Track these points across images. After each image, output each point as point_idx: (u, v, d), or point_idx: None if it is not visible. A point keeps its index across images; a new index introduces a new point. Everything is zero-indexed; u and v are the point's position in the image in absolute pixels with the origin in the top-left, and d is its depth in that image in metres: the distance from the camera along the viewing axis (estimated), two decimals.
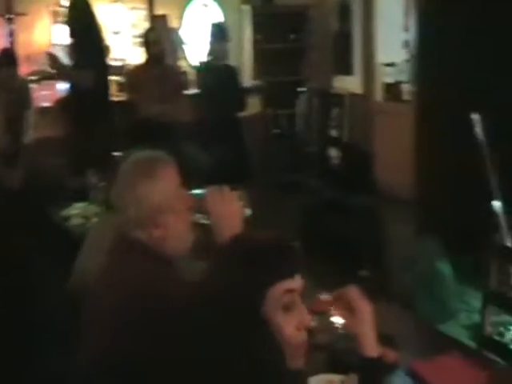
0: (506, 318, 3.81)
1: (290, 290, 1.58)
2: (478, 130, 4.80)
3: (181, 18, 7.94)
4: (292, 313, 1.59)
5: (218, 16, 8.03)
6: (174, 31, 7.73)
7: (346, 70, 7.69)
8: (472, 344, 3.14)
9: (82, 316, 2.06)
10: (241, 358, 1.50)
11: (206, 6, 8.10)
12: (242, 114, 6.39)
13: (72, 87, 5.99)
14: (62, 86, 6.58)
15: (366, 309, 1.87)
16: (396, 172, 6.51)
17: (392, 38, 7.13)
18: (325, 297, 2.05)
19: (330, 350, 2.30)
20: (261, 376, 1.50)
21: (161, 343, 1.85)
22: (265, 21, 8.01)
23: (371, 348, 1.85)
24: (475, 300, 4.10)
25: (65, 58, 6.06)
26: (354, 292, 1.88)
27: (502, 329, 4.03)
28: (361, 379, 1.83)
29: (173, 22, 7.73)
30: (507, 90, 4.99)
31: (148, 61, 6.09)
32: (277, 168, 7.47)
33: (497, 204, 4.73)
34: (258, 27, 7.99)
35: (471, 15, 5.12)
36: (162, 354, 1.84)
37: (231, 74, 6.34)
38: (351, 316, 1.87)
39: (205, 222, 2.14)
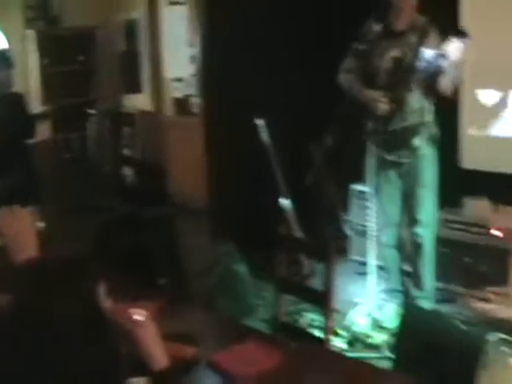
0: (300, 305, 4.11)
1: None
2: (263, 134, 5.12)
3: None
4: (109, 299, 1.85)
5: (1, 43, 7.81)
6: None
7: (136, 88, 7.81)
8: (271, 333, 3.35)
9: None
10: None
11: None
12: (31, 141, 6.27)
13: None
14: None
15: (144, 333, 2.03)
16: (190, 183, 6.72)
17: (179, 54, 7.34)
18: None
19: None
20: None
21: None
22: (50, 44, 7.85)
23: (158, 362, 2.07)
24: (272, 294, 4.35)
25: None
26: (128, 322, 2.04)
27: (297, 316, 4.34)
28: None
29: None
30: (290, 97, 5.32)
31: None
32: (72, 192, 7.37)
33: (285, 201, 5.10)
34: (43, 51, 7.81)
35: (253, 28, 5.39)
36: None
37: (17, 101, 6.18)
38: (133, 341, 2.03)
39: None
